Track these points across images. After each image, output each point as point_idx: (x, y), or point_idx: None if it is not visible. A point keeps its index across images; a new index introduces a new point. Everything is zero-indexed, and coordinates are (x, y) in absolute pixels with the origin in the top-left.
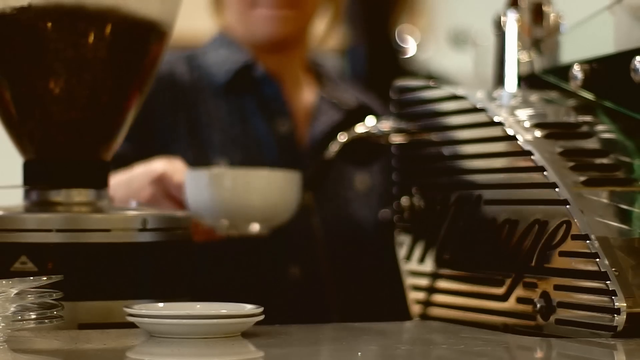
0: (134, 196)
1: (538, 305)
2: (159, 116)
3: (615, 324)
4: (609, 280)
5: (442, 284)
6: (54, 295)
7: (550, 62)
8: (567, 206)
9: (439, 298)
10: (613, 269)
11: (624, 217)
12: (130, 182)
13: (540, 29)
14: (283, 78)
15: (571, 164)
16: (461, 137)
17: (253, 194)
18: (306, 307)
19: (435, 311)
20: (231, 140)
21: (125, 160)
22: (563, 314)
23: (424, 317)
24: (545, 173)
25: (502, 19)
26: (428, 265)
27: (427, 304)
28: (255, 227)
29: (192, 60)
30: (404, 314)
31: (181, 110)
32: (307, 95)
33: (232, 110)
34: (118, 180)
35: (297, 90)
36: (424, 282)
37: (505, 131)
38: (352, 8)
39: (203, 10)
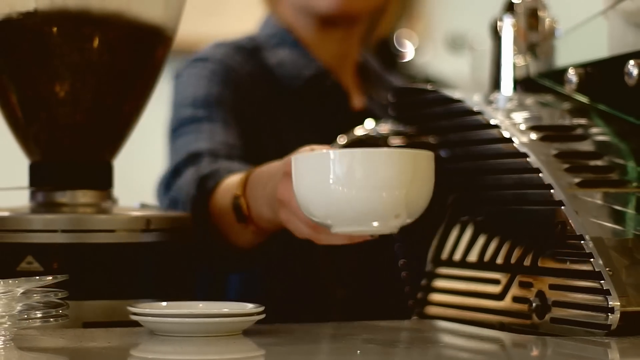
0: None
1: (534, 304)
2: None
3: (609, 323)
4: (603, 279)
5: (440, 283)
6: (60, 294)
7: (545, 66)
8: (562, 207)
9: (436, 297)
10: (607, 269)
11: (618, 218)
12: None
13: (535, 34)
14: (345, 83)
15: (566, 165)
16: (458, 139)
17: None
18: (306, 305)
19: (434, 310)
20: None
21: (238, 151)
22: (558, 312)
23: (423, 315)
24: (540, 175)
25: (499, 24)
26: (426, 265)
27: (425, 302)
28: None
29: (247, 52)
30: (403, 313)
31: (249, 105)
32: (357, 98)
33: (300, 116)
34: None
35: (354, 94)
36: (422, 281)
37: (501, 134)
38: None
39: (204, 15)
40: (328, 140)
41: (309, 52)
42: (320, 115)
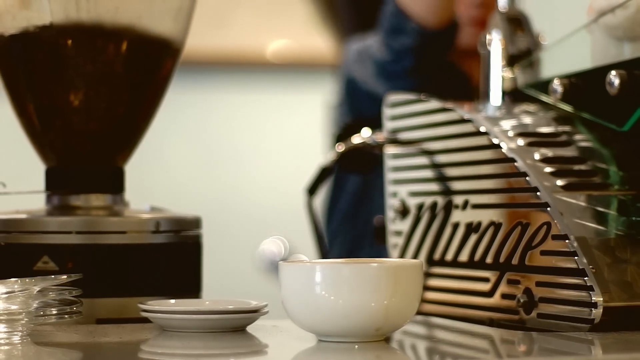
0: None
1: (521, 301)
2: None
3: (592, 317)
4: (587, 276)
5: (433, 281)
6: (74, 292)
7: (531, 77)
8: (548, 209)
9: (429, 295)
10: (590, 267)
11: (600, 218)
12: None
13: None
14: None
15: (551, 170)
16: (450, 146)
17: None
18: None
19: (427, 307)
20: None
21: None
22: (544, 308)
23: (417, 312)
24: (527, 178)
25: (488, 37)
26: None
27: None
28: None
29: None
30: None
31: None
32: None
33: None
34: None
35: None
36: None
37: (490, 140)
38: (350, 28)
39: (211, 28)
40: None
41: None
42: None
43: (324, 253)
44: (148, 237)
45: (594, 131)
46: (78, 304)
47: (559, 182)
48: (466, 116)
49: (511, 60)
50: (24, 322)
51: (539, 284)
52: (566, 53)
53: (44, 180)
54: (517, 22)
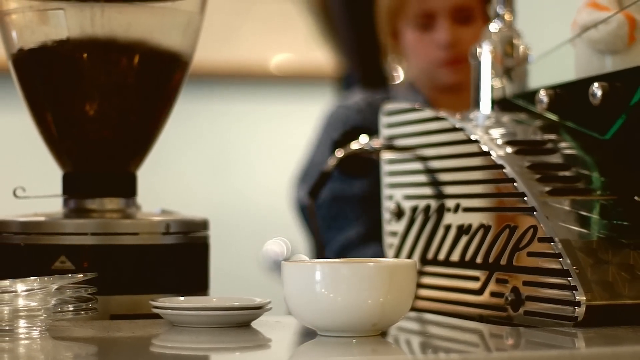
0: None
1: (509, 299)
2: None
3: (576, 315)
4: (571, 277)
5: (426, 280)
6: (89, 290)
7: (519, 87)
8: (534, 213)
9: (423, 292)
10: (574, 267)
11: (584, 222)
12: None
13: (511, 59)
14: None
15: (538, 176)
16: (443, 152)
17: None
18: None
19: (420, 304)
20: None
21: None
22: (531, 306)
23: (411, 309)
24: (515, 184)
25: (478, 50)
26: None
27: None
28: None
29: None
30: None
31: None
32: None
33: None
34: None
35: None
36: None
37: (480, 148)
38: (348, 43)
39: (219, 43)
40: None
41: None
42: None
43: (322, 253)
44: (159, 238)
45: (578, 139)
46: (93, 301)
47: (545, 188)
48: (458, 125)
49: (502, 72)
50: (42, 318)
51: (525, 283)
52: (552, 65)
53: (61, 185)
54: (509, 36)
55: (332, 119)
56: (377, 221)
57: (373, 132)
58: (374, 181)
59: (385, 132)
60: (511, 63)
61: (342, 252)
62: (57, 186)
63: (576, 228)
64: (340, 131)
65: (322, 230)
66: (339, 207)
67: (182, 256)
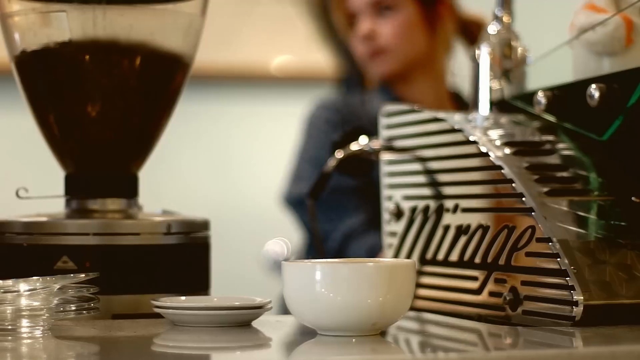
0: None
1: (507, 298)
2: None
3: (573, 315)
4: (569, 277)
5: (425, 279)
6: (91, 289)
7: (517, 89)
8: (533, 213)
9: (422, 292)
10: (572, 267)
11: (581, 222)
12: None
13: (509, 61)
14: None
15: (536, 177)
16: (441, 153)
17: None
18: None
19: (419, 303)
20: None
21: None
22: (529, 305)
23: (410, 308)
24: (513, 185)
25: (477, 52)
26: None
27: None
28: None
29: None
30: None
31: None
32: None
33: None
34: None
35: None
36: None
37: (479, 149)
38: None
39: (220, 45)
40: None
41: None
42: None
43: (322, 252)
44: (160, 239)
45: (576, 140)
46: (95, 301)
47: (543, 188)
48: (457, 126)
49: (500, 73)
50: (45, 317)
51: (524, 283)
52: (550, 67)
53: (64, 185)
54: (507, 39)
55: (313, 119)
56: (376, 209)
57: (355, 130)
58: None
59: (384, 133)
60: (509, 65)
61: (346, 240)
62: (59, 187)
63: (574, 228)
64: (325, 129)
65: (323, 223)
66: (337, 198)
67: (183, 256)
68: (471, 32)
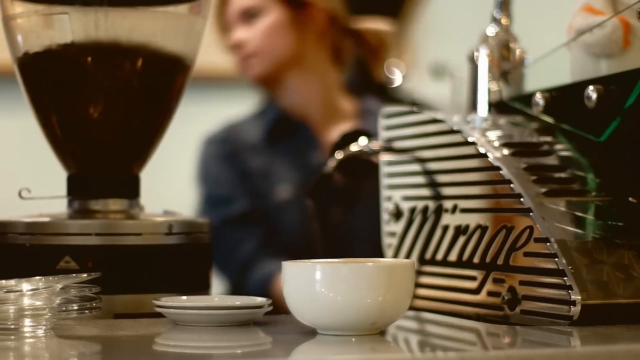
0: None
1: (506, 298)
2: None
3: (571, 314)
4: (566, 276)
5: (424, 279)
6: (93, 289)
7: (516, 90)
8: (531, 213)
9: (421, 292)
10: (569, 267)
11: (579, 223)
12: None
13: (507, 63)
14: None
15: (534, 177)
16: (440, 154)
17: None
18: None
19: (418, 303)
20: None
21: None
22: (527, 305)
23: (409, 308)
24: (512, 185)
25: (475, 54)
26: None
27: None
28: None
29: None
30: None
31: None
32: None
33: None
34: None
35: (329, 120)
36: None
37: (477, 150)
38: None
39: (220, 47)
40: None
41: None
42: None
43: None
44: (162, 239)
45: (573, 141)
46: (97, 300)
47: (541, 189)
48: (455, 127)
49: (499, 75)
50: (47, 317)
51: (522, 282)
52: (548, 69)
53: (66, 186)
54: (505, 40)
55: (202, 158)
56: (268, 234)
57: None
58: (253, 198)
59: (384, 134)
60: (508, 66)
61: (243, 270)
62: (61, 187)
63: (571, 228)
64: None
65: (223, 256)
66: (229, 229)
67: (184, 256)
68: (365, 39)
